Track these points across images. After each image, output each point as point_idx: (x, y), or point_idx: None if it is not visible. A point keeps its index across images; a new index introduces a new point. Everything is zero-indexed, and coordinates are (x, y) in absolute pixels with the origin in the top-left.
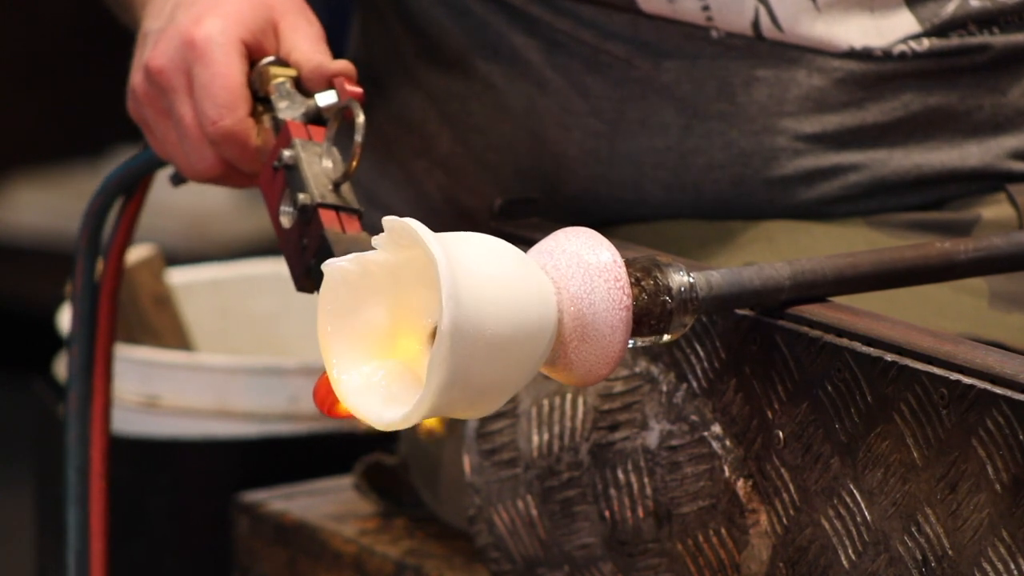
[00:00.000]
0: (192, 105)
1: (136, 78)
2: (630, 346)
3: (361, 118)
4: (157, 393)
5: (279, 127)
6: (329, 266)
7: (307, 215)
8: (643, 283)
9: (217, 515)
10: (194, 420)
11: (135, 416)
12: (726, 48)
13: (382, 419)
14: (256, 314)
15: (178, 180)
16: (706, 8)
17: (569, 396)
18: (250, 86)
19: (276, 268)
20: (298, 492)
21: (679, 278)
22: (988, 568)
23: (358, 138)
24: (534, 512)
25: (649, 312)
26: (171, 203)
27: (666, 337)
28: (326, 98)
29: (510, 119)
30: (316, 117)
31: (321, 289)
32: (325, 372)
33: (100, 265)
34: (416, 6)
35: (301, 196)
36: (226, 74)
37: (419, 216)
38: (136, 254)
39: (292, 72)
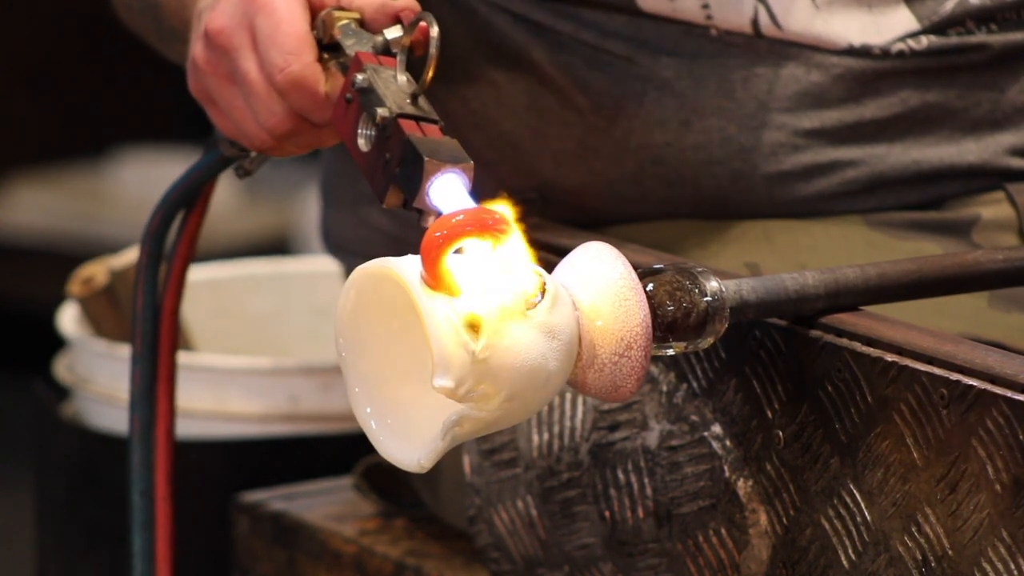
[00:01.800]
0: (257, 59)
1: (196, 48)
2: (669, 353)
3: (435, 30)
4: None
5: (347, 68)
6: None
7: (387, 130)
8: (671, 295)
9: (217, 515)
10: (194, 420)
11: None
12: (725, 45)
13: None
14: (256, 314)
15: (243, 172)
16: (706, 7)
17: (569, 396)
18: (315, 35)
19: (276, 268)
20: (298, 492)
21: (711, 285)
22: (988, 568)
23: (432, 50)
24: (534, 512)
25: (680, 321)
26: None
27: (700, 344)
28: (393, 31)
29: (511, 116)
30: (385, 50)
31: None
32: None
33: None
34: (420, 4)
35: (380, 111)
36: (290, 20)
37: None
38: (136, 254)
39: (355, 14)
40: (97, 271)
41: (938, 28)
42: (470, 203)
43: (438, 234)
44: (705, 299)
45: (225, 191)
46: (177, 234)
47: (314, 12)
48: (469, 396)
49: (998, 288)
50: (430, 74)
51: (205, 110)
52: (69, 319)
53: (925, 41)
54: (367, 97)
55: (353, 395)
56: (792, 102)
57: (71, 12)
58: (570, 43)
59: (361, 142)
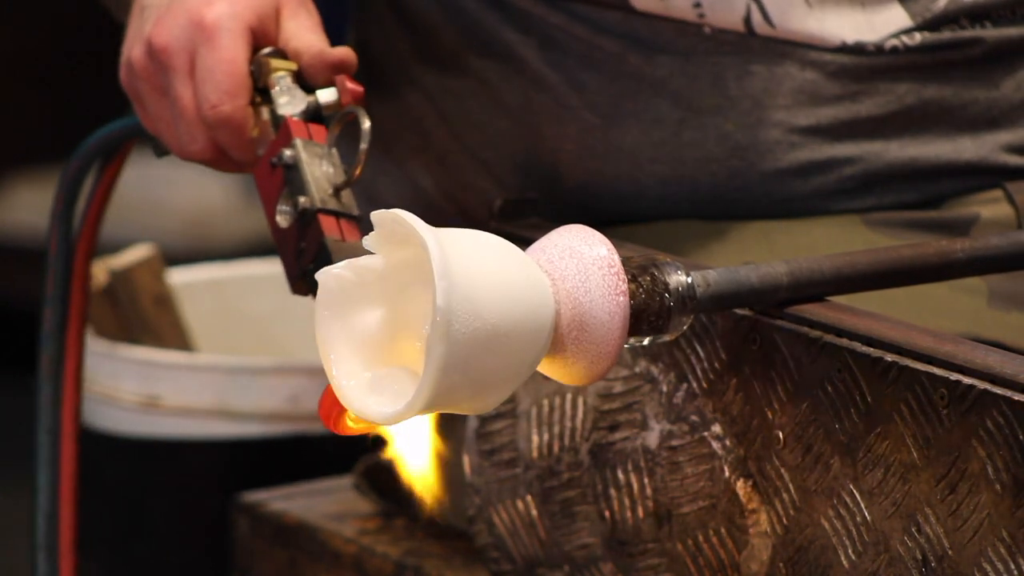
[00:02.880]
0: (192, 87)
1: (135, 51)
2: (628, 346)
3: (367, 124)
4: (157, 393)
5: (278, 123)
6: (324, 274)
7: (306, 219)
8: (640, 281)
9: (217, 515)
10: (194, 420)
11: (135, 416)
12: (719, 43)
13: (384, 414)
14: (256, 314)
15: (161, 152)
16: (697, 5)
17: (569, 396)
18: (251, 75)
19: (276, 268)
20: (298, 492)
21: (677, 277)
22: (988, 568)
23: (363, 145)
24: (534, 512)
25: (647, 310)
26: (171, 203)
27: (665, 337)
28: (327, 95)
29: (506, 115)
30: (316, 114)
31: (317, 298)
32: (328, 387)
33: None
34: (411, 4)
35: (302, 200)
36: (232, 59)
37: (417, 213)
38: (136, 254)
39: (292, 66)
40: (97, 271)
41: (931, 25)
42: None
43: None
44: (671, 290)
45: (225, 191)
46: (93, 184)
47: (256, 46)
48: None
49: (960, 277)
50: (358, 171)
51: (131, 103)
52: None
53: (918, 37)
54: (291, 175)
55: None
56: (788, 99)
57: (71, 12)
58: (562, 39)
59: (280, 218)
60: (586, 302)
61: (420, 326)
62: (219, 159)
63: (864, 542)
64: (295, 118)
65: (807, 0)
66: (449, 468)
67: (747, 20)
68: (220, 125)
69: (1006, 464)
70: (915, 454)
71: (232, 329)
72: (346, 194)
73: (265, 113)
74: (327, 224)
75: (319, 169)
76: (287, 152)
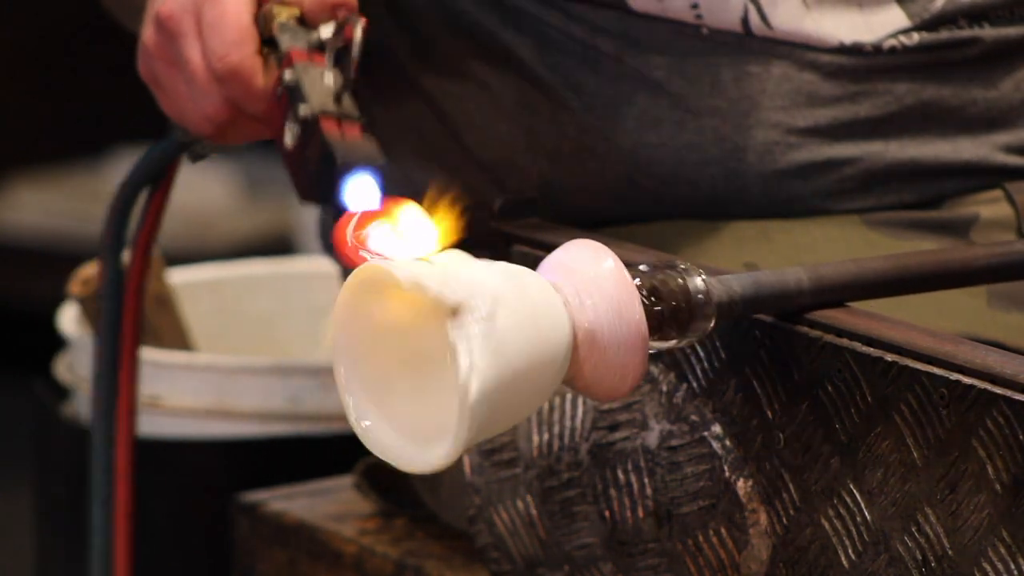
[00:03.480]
0: (200, 46)
1: (147, 32)
2: (658, 349)
3: (359, 31)
4: (157, 393)
5: (282, 62)
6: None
7: (309, 128)
8: (660, 288)
9: (217, 515)
10: (194, 420)
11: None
12: (716, 44)
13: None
14: (256, 314)
15: (196, 156)
16: (695, 6)
17: (569, 396)
18: (257, 27)
19: (276, 268)
20: (298, 492)
21: (697, 282)
22: (988, 568)
23: (355, 51)
24: (534, 512)
25: (668, 317)
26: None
27: (684, 341)
28: (328, 29)
29: (504, 117)
30: (319, 48)
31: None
32: (344, 218)
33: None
34: (407, 4)
35: (302, 108)
36: (235, 11)
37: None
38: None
39: (295, 11)
40: (97, 271)
41: (929, 25)
42: (378, 203)
43: (347, 222)
44: (691, 295)
45: (225, 191)
46: (143, 213)
47: (260, 3)
48: (460, 308)
49: (981, 284)
50: (353, 72)
51: (153, 93)
52: (69, 319)
53: (916, 38)
54: (293, 95)
55: (350, 406)
56: (785, 100)
57: (71, 12)
58: (559, 40)
59: (287, 139)
60: (604, 327)
61: (436, 350)
62: (237, 119)
63: (864, 542)
64: (297, 49)
65: (804, 1)
66: (449, 468)
67: (744, 21)
68: (230, 77)
69: (1006, 464)
70: (915, 454)
71: (232, 329)
72: (347, 98)
73: (274, 63)
74: (327, 126)
75: (320, 83)
76: (288, 74)
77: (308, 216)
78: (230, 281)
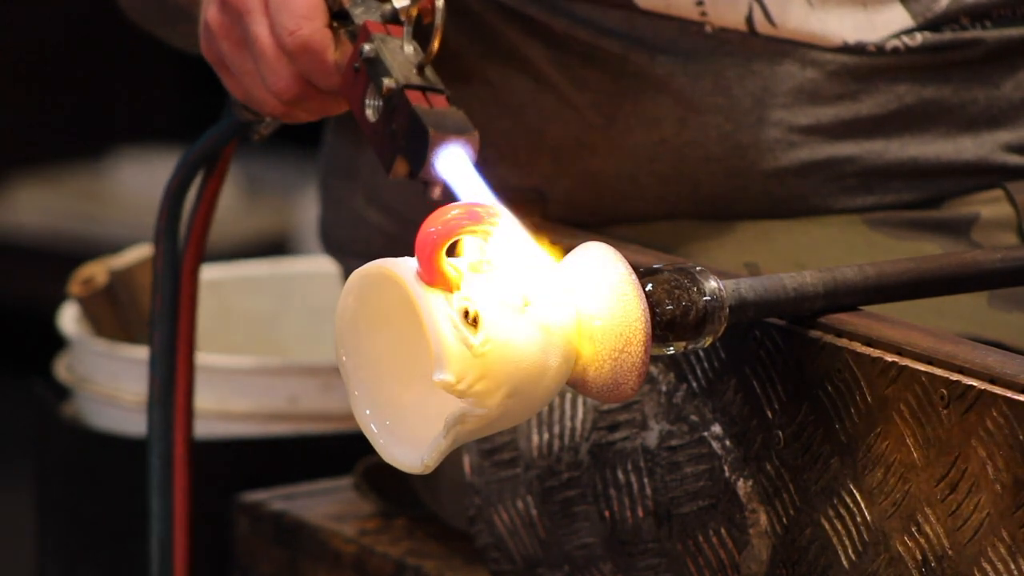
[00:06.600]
0: (268, 22)
1: (209, 12)
2: (668, 352)
3: (441, 1)
4: None
5: (356, 36)
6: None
7: (393, 101)
8: (670, 292)
9: (217, 515)
10: (194, 420)
11: (135, 416)
12: (720, 43)
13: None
14: (256, 314)
15: (258, 137)
16: (700, 4)
17: (569, 396)
18: (326, 1)
19: (276, 268)
20: (298, 492)
21: (710, 285)
22: (988, 568)
23: (438, 20)
24: (534, 512)
25: (679, 319)
26: None
27: (699, 343)
28: (401, 1)
29: (508, 115)
30: (393, 19)
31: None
32: (422, 231)
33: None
34: None
35: (386, 81)
36: None
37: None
38: (136, 254)
39: None
40: (97, 271)
41: (932, 25)
42: (474, 174)
43: (432, 230)
44: (704, 298)
45: (225, 191)
46: (198, 195)
47: None
48: (470, 391)
49: (996, 288)
50: (436, 43)
51: (217, 74)
52: (69, 319)
53: (920, 37)
54: (374, 67)
55: (354, 399)
56: (788, 99)
57: (71, 12)
58: (565, 40)
59: (369, 112)
60: (607, 330)
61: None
62: (308, 95)
63: (864, 542)
64: (372, 20)
65: (809, 0)
66: (449, 468)
67: (749, 19)
68: (301, 52)
69: (1006, 464)
70: (915, 454)
71: (231, 329)
72: (430, 70)
73: (345, 36)
74: (414, 97)
75: (400, 56)
76: (367, 46)
77: (308, 216)
78: (230, 281)
